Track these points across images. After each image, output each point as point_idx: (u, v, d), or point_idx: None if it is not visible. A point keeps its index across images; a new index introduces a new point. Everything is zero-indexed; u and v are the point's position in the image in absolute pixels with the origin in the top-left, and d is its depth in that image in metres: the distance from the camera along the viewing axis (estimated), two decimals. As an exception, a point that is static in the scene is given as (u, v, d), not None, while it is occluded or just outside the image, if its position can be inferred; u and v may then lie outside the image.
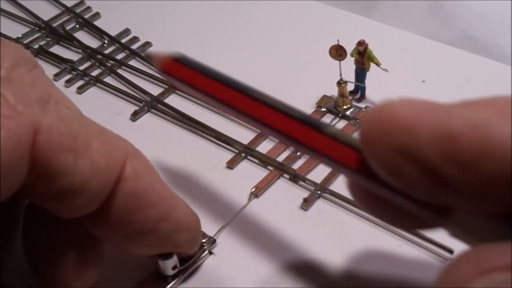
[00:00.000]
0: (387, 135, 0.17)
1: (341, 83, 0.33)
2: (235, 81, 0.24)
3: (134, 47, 0.41)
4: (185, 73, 0.25)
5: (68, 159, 0.20)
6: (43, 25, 0.44)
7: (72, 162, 0.20)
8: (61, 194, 0.21)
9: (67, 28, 0.43)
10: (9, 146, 0.18)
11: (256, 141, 0.33)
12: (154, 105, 0.36)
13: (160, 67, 0.26)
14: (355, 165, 0.19)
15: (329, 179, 0.30)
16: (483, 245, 0.16)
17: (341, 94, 0.34)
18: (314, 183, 0.30)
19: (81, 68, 0.40)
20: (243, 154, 0.32)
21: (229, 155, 0.32)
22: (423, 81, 0.35)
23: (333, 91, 0.34)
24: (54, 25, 0.44)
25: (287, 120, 0.21)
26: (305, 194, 0.30)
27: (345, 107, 0.34)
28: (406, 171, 0.17)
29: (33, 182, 0.20)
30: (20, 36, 0.43)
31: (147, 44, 0.41)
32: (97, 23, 0.44)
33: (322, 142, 0.20)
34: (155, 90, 0.37)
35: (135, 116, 0.36)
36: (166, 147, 0.33)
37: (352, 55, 0.33)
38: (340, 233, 0.28)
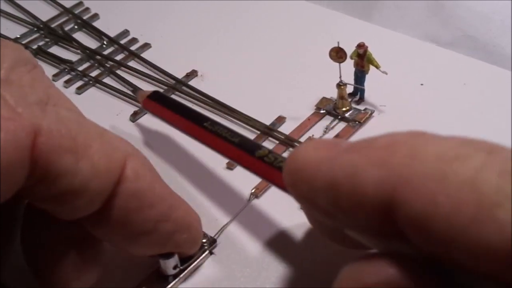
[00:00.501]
0: (293, 184, 0.20)
1: (340, 85, 0.33)
2: (195, 114, 0.31)
3: (133, 48, 0.41)
4: (157, 108, 0.32)
5: (68, 160, 0.20)
6: (41, 26, 0.44)
7: (72, 163, 0.20)
8: (62, 196, 0.21)
9: (66, 29, 0.43)
10: (8, 148, 0.18)
11: (256, 141, 0.33)
12: (153, 106, 0.36)
13: (141, 103, 0.33)
14: (279, 182, 0.24)
15: (329, 180, 0.30)
16: (363, 259, 0.17)
17: (341, 96, 0.34)
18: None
19: (80, 68, 0.40)
20: (243, 155, 0.32)
21: (229, 156, 0.33)
22: (421, 84, 0.36)
23: (333, 93, 0.34)
24: (52, 25, 0.44)
25: (230, 146, 0.27)
26: (305, 195, 0.30)
27: (344, 109, 0.34)
28: (314, 209, 0.19)
29: (33, 184, 0.20)
30: (18, 36, 0.43)
31: (146, 45, 0.41)
32: (96, 24, 0.44)
33: (254, 163, 0.26)
34: (154, 91, 0.37)
35: (134, 116, 0.36)
36: (165, 148, 0.33)
37: (351, 58, 0.33)
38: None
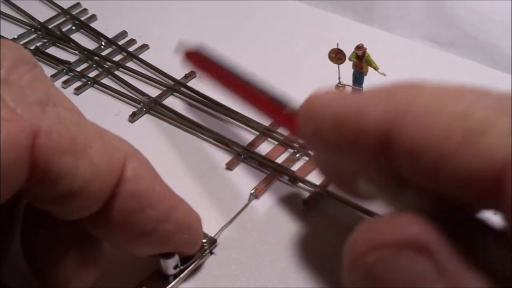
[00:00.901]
0: (305, 122, 0.22)
1: (339, 87, 0.33)
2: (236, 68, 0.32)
3: (131, 49, 0.41)
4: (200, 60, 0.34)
5: (68, 161, 0.20)
6: (39, 27, 0.44)
7: (72, 164, 0.20)
8: (62, 197, 0.21)
9: (64, 29, 0.43)
10: (8, 150, 0.18)
11: (255, 142, 0.33)
12: (152, 106, 0.36)
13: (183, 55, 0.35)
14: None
15: (328, 180, 0.31)
16: (379, 217, 0.18)
17: (339, 97, 0.34)
18: (314, 185, 0.30)
19: (78, 69, 0.40)
20: (243, 156, 0.32)
21: (228, 157, 0.33)
22: (419, 86, 0.36)
23: (331, 94, 0.34)
24: (50, 26, 0.44)
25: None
26: (305, 195, 0.30)
27: (343, 110, 0.34)
28: (322, 147, 0.22)
29: (33, 185, 0.20)
30: (16, 37, 0.43)
31: (145, 46, 0.41)
32: (93, 25, 0.44)
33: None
34: (153, 91, 0.37)
35: (133, 117, 0.36)
36: (165, 149, 0.33)
37: (350, 59, 0.33)
38: (340, 233, 0.28)
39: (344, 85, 0.33)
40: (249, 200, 0.30)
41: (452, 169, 0.16)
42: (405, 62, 0.37)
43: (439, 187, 0.17)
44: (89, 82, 0.39)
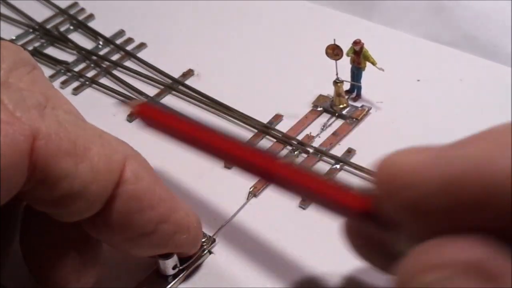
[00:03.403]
0: (391, 193, 0.17)
1: (337, 83, 0.33)
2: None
3: (129, 48, 0.41)
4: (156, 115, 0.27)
5: (67, 163, 0.20)
6: (36, 27, 0.44)
7: (72, 166, 0.20)
8: (61, 199, 0.21)
9: (61, 29, 0.43)
10: (7, 152, 0.18)
11: (253, 140, 0.33)
12: (150, 105, 0.36)
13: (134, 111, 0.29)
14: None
15: (327, 177, 0.31)
16: (439, 238, 0.16)
17: (338, 94, 0.34)
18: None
19: (76, 69, 0.40)
20: (241, 154, 0.32)
21: (226, 155, 0.33)
22: (418, 80, 0.36)
23: (329, 91, 0.34)
24: (48, 26, 0.44)
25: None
26: (303, 193, 0.30)
27: (341, 106, 0.34)
28: (416, 217, 0.17)
29: (32, 187, 0.20)
30: (14, 37, 0.43)
31: (142, 45, 0.41)
32: (91, 24, 0.44)
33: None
34: (151, 90, 0.37)
35: (131, 117, 0.36)
36: (163, 148, 0.33)
37: (348, 55, 0.33)
38: (339, 231, 0.28)
39: (342, 81, 0.33)
40: (248, 199, 0.30)
41: None
42: (403, 56, 0.37)
43: None
44: (87, 82, 0.39)
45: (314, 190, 0.21)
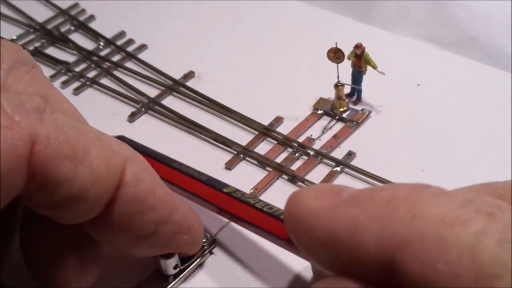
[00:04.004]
0: (294, 231, 0.20)
1: (338, 86, 0.33)
2: (163, 156, 0.29)
3: (130, 49, 0.41)
4: None
5: (67, 167, 0.20)
6: (37, 27, 0.44)
7: (72, 170, 0.20)
8: (61, 203, 0.21)
9: (62, 30, 0.43)
10: (6, 157, 0.18)
11: (254, 142, 0.33)
12: (151, 106, 0.36)
13: None
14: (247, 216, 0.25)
15: (328, 180, 0.31)
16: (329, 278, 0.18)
17: (338, 97, 0.34)
18: (313, 184, 0.30)
19: (77, 69, 0.40)
20: (242, 155, 0.32)
21: (227, 156, 0.33)
22: (418, 85, 0.36)
23: (330, 94, 0.35)
24: (49, 27, 0.44)
25: (198, 183, 0.27)
26: (304, 194, 0.30)
27: (341, 109, 0.34)
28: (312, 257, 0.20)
29: (32, 191, 0.20)
30: (14, 37, 0.43)
31: (143, 46, 0.41)
32: (92, 25, 0.44)
33: (223, 199, 0.26)
34: (152, 91, 0.37)
35: (132, 117, 0.36)
36: (164, 149, 0.33)
37: (349, 58, 0.33)
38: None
39: (343, 84, 0.33)
40: (249, 200, 0.30)
41: None
42: (403, 60, 0.37)
43: None
44: (87, 83, 0.39)
45: (250, 222, 0.25)
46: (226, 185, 0.27)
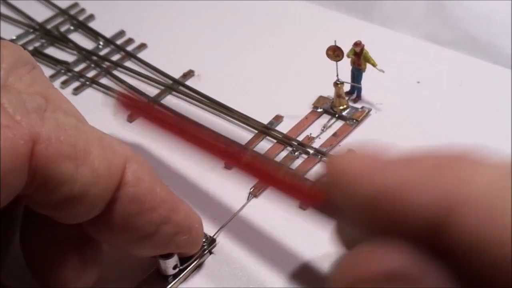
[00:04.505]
0: (338, 187, 0.19)
1: (337, 84, 0.33)
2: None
3: (129, 48, 0.41)
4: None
5: (68, 167, 0.20)
6: (37, 27, 0.44)
7: (72, 170, 0.20)
8: (62, 203, 0.21)
9: (62, 30, 0.43)
10: (7, 157, 0.18)
11: (254, 141, 0.33)
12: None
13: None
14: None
15: (327, 178, 0.31)
16: (361, 248, 0.17)
17: (338, 95, 0.34)
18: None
19: (77, 69, 0.40)
20: (241, 155, 0.32)
21: (227, 156, 0.33)
22: (418, 82, 0.36)
23: (330, 92, 0.34)
24: (48, 27, 0.44)
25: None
26: (304, 193, 0.30)
27: (341, 107, 0.34)
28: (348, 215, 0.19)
29: (33, 191, 0.20)
30: (14, 37, 0.43)
31: (143, 45, 0.41)
32: (91, 25, 0.44)
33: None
34: (151, 91, 0.37)
35: (132, 117, 0.36)
36: (164, 148, 0.33)
37: (348, 56, 0.33)
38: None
39: (342, 82, 0.33)
40: (248, 199, 0.30)
41: None
42: (403, 58, 0.37)
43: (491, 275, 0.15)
44: (87, 82, 0.39)
45: (273, 185, 0.24)
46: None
